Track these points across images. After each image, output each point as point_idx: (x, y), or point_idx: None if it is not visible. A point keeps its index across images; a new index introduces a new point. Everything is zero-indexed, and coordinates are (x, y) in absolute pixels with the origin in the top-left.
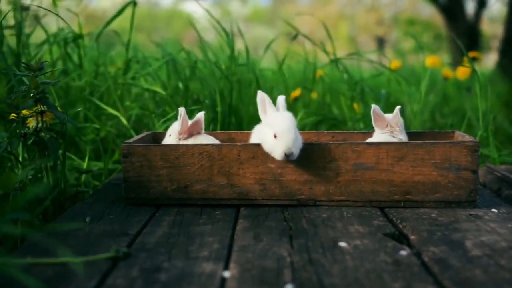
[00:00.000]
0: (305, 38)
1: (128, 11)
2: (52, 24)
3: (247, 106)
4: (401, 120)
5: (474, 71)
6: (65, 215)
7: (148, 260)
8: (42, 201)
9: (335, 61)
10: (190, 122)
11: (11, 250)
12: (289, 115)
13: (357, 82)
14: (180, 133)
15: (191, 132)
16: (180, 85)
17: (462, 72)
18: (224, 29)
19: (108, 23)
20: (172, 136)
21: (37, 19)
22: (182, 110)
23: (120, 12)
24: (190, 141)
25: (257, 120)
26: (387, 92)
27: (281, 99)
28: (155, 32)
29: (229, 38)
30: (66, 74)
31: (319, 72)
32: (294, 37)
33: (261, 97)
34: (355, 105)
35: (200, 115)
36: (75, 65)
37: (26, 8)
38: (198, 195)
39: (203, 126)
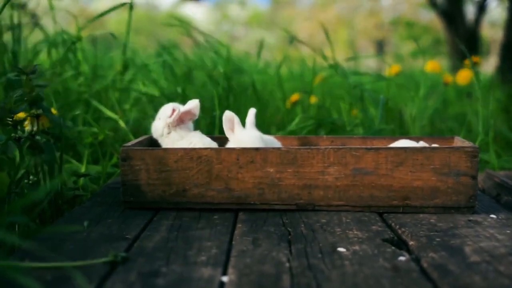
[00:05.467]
0: (304, 42)
1: (126, 13)
2: (49, 26)
3: (245, 110)
4: None
5: (476, 76)
6: (63, 219)
7: (146, 264)
8: (39, 204)
9: (335, 67)
10: (182, 109)
11: (9, 254)
12: (255, 135)
13: (356, 87)
14: (170, 122)
15: (183, 118)
16: (179, 89)
17: (462, 77)
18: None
19: (97, 17)
20: (161, 120)
21: (35, 20)
22: (177, 107)
23: (112, 9)
24: (182, 132)
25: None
26: (386, 97)
27: (250, 114)
28: (153, 35)
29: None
30: (62, 75)
31: (319, 76)
32: (291, 41)
33: (229, 116)
34: (354, 110)
35: (195, 103)
36: (73, 68)
37: (22, 6)
38: (196, 199)
39: (197, 113)
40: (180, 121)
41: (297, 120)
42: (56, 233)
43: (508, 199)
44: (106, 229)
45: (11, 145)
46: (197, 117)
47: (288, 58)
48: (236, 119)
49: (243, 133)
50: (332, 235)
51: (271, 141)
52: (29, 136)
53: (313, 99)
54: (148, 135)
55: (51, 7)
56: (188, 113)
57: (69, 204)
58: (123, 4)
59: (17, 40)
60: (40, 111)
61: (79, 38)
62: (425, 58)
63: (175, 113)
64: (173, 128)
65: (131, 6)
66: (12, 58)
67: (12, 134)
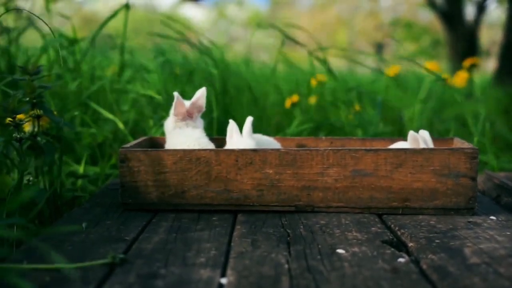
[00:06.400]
0: (302, 43)
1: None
2: (46, 28)
3: (242, 111)
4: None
5: (480, 80)
6: (62, 220)
7: (145, 266)
8: (37, 204)
9: (326, 63)
10: (188, 102)
11: (6, 255)
12: (251, 144)
13: (354, 88)
14: (175, 115)
15: (191, 112)
16: (177, 90)
17: (460, 79)
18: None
19: (101, 27)
20: (170, 116)
21: (31, 22)
22: (176, 94)
23: (113, 15)
24: (185, 128)
25: (254, 124)
26: (385, 98)
27: (247, 123)
28: (152, 35)
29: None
30: (62, 78)
31: (317, 78)
32: (283, 43)
33: (231, 125)
34: (353, 111)
35: (201, 92)
36: (70, 69)
37: (19, 10)
38: (195, 200)
39: (204, 104)
40: (188, 116)
41: (296, 122)
42: (55, 234)
43: (508, 201)
44: (104, 230)
45: (11, 146)
46: (204, 108)
47: (286, 59)
48: (235, 127)
49: (238, 141)
50: (331, 237)
51: (271, 142)
52: (30, 137)
53: (312, 100)
54: (147, 136)
55: (48, 8)
56: (195, 104)
57: (68, 205)
58: (123, 7)
59: (13, 41)
60: (41, 112)
61: (75, 40)
62: (424, 59)
63: (175, 99)
64: (179, 124)
65: (127, 7)
66: (8, 60)
67: (14, 135)
